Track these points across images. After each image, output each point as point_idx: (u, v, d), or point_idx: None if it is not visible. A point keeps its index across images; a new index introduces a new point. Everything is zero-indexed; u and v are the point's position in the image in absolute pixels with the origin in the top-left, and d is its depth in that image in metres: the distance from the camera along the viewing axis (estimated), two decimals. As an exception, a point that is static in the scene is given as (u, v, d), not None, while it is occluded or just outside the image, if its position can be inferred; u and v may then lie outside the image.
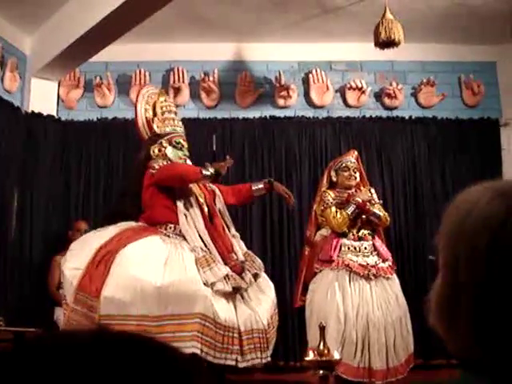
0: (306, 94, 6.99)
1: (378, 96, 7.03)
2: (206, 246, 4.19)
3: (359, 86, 6.88)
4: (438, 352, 5.78)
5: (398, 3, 5.77)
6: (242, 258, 4.33)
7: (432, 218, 6.33)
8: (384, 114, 6.99)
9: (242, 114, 6.89)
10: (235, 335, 3.96)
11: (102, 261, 3.93)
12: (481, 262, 0.92)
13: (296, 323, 6.18)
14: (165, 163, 4.47)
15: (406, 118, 6.94)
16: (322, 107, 6.96)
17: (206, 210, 4.44)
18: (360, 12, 6.22)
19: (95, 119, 6.82)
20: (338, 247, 5.15)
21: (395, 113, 6.98)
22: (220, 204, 4.64)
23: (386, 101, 6.97)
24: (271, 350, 4.41)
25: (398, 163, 6.81)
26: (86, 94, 6.89)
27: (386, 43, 5.48)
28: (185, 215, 4.29)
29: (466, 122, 6.94)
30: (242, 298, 4.21)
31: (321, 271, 5.14)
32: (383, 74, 7.08)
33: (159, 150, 4.53)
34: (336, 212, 5.22)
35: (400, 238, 6.53)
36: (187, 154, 4.70)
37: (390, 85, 6.93)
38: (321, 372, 2.97)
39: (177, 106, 6.81)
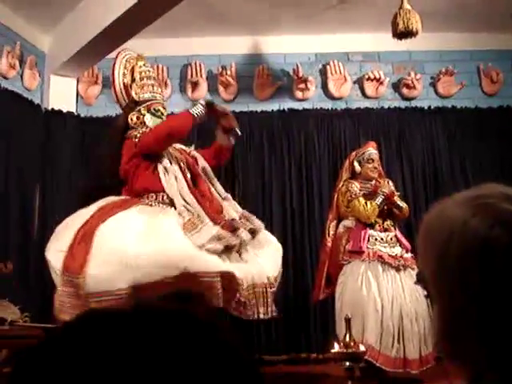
0: (324, 86, 6.98)
1: (397, 86, 7.01)
2: (191, 206, 3.99)
3: (377, 76, 6.86)
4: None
5: (414, -8, 5.74)
6: (234, 216, 4.12)
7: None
8: (402, 104, 6.96)
9: (260, 107, 6.89)
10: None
11: (84, 238, 3.81)
12: (475, 284, 0.90)
13: (318, 315, 6.20)
14: (146, 131, 4.22)
15: (425, 108, 6.91)
16: (340, 99, 6.95)
17: (188, 174, 4.24)
18: (377, 2, 6.19)
19: (114, 115, 6.83)
20: (367, 238, 5.15)
21: (414, 103, 6.96)
22: (203, 165, 4.41)
23: (405, 91, 6.94)
24: (273, 307, 4.23)
25: (417, 154, 6.78)
26: (105, 91, 6.91)
27: (404, 34, 5.44)
28: (168, 181, 4.08)
29: (486, 111, 6.90)
30: (240, 255, 4.04)
31: (349, 263, 5.13)
32: (401, 65, 7.05)
33: (137, 118, 4.30)
34: (366, 203, 5.21)
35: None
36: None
37: (409, 75, 6.90)
38: (347, 364, 2.98)
39: (195, 100, 6.87)
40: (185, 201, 4.01)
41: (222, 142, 4.49)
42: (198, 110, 4.18)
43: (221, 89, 6.88)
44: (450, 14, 6.46)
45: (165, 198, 4.10)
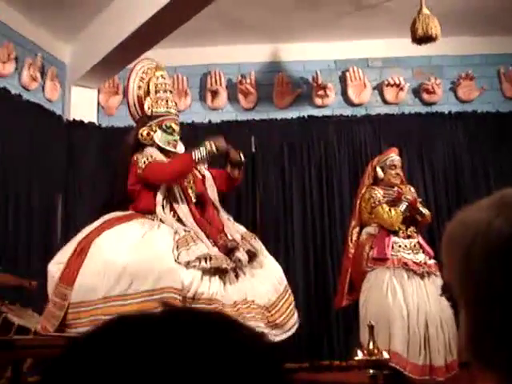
0: (344, 93, 6.98)
1: (417, 92, 6.98)
2: (188, 226, 3.97)
3: (397, 82, 6.84)
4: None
5: (433, -2, 5.72)
6: (237, 238, 4.05)
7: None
8: (423, 109, 6.93)
9: (280, 115, 6.90)
10: (218, 308, 3.68)
11: (81, 252, 3.83)
12: (499, 285, 0.88)
13: (341, 322, 6.17)
14: (149, 160, 4.10)
15: (446, 113, 6.87)
16: (360, 105, 6.94)
17: (194, 195, 4.18)
18: (395, 8, 6.18)
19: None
20: (391, 245, 5.12)
21: (434, 108, 6.92)
22: (211, 188, 4.32)
23: (425, 96, 6.91)
24: (288, 332, 4.14)
25: (438, 159, 6.74)
26: (126, 101, 6.94)
27: (424, 39, 5.43)
28: (162, 206, 4.05)
29: (507, 115, 6.85)
30: (237, 276, 3.96)
31: (373, 270, 5.10)
32: (421, 70, 7.02)
33: (147, 134, 4.18)
34: (389, 209, 5.19)
35: (443, 235, 6.45)
36: (177, 138, 4.34)
37: (429, 80, 6.87)
38: (371, 371, 2.97)
39: (215, 109, 6.90)
40: (184, 225, 3.99)
41: (230, 172, 4.38)
42: (201, 154, 4.08)
43: (240, 97, 6.90)
44: (469, 18, 6.43)
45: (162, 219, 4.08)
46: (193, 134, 6.77)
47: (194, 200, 4.17)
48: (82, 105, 6.80)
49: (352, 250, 5.35)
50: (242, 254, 3.95)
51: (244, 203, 6.61)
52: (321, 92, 6.83)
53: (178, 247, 3.75)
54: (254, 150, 6.69)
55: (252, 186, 6.68)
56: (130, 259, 3.66)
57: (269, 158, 6.76)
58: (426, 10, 5.42)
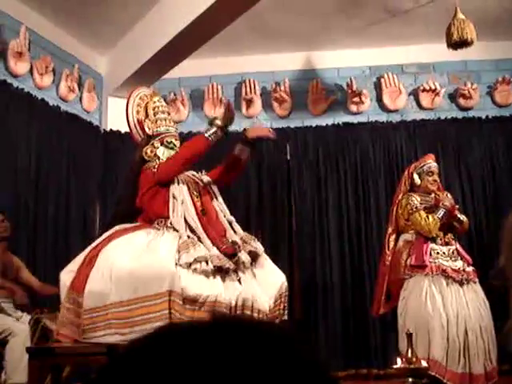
0: (379, 99, 6.95)
1: (453, 97, 6.92)
2: (194, 231, 4.07)
3: (432, 87, 6.79)
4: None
5: (467, 2, 5.67)
6: (236, 239, 4.13)
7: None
8: (460, 114, 6.87)
9: (314, 122, 6.90)
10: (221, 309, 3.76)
11: (90, 260, 4.00)
12: None
13: (378, 330, 6.13)
14: (163, 160, 4.31)
15: (483, 117, 6.80)
16: (395, 111, 6.90)
17: (198, 203, 4.29)
18: (429, 13, 6.14)
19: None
20: (429, 252, 5.08)
21: (471, 113, 6.85)
22: (213, 189, 4.45)
23: (461, 101, 6.85)
24: None
25: (476, 165, 6.67)
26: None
27: (459, 43, 5.39)
28: (174, 206, 4.16)
29: (545, 119, 6.76)
30: (239, 279, 4.00)
31: (411, 277, 5.06)
32: (456, 75, 6.96)
33: (151, 151, 4.38)
34: (427, 216, 5.15)
35: (482, 242, 6.38)
36: None
37: (465, 85, 6.81)
38: (410, 380, 2.94)
39: (250, 117, 6.93)
40: (189, 226, 4.10)
41: (239, 154, 4.46)
42: (212, 131, 4.23)
43: (275, 105, 6.92)
44: (504, 21, 6.36)
45: (172, 223, 4.17)
46: (229, 143, 6.82)
47: (200, 208, 4.28)
48: (119, 115, 6.84)
49: (389, 258, 5.31)
50: (244, 256, 4.04)
51: (280, 211, 6.61)
52: (356, 98, 6.81)
53: (179, 251, 3.88)
54: (288, 157, 6.70)
55: (287, 193, 6.68)
56: (135, 265, 3.79)
57: (304, 165, 6.76)
58: (460, 15, 5.38)
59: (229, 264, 3.94)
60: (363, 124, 6.85)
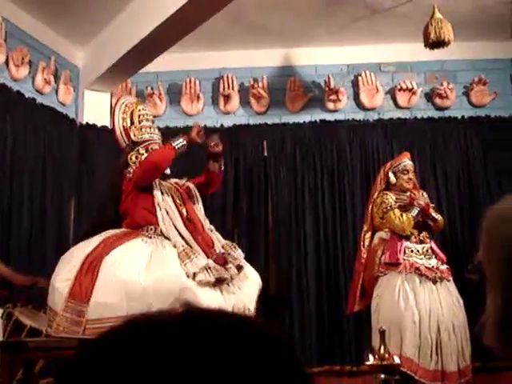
0: (356, 97, 6.97)
1: (429, 96, 6.97)
2: (187, 242, 4.20)
3: (409, 86, 6.83)
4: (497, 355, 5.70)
5: (446, 2, 5.71)
6: (221, 250, 4.28)
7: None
8: (436, 114, 6.91)
9: (292, 119, 6.90)
10: None
11: (90, 268, 4.06)
12: None
13: (352, 327, 6.16)
14: (137, 166, 4.47)
15: (459, 117, 6.85)
16: (372, 109, 6.93)
17: (184, 210, 4.43)
18: (408, 13, 6.17)
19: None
20: (403, 250, 5.11)
21: (447, 113, 6.90)
22: (195, 195, 4.60)
23: (438, 101, 6.89)
24: None
25: (451, 164, 6.72)
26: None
27: (436, 43, 5.43)
28: (162, 216, 4.30)
29: (520, 120, 6.82)
30: (228, 289, 4.16)
31: (385, 275, 5.09)
32: (433, 74, 7.01)
33: (136, 157, 4.56)
34: (401, 214, 5.18)
35: (456, 241, 6.43)
36: None
37: (441, 85, 6.85)
38: (382, 376, 2.96)
39: (227, 113, 6.92)
40: (180, 235, 4.22)
41: (210, 167, 4.62)
42: (178, 141, 4.39)
43: (253, 101, 6.91)
44: (481, 22, 6.41)
45: (162, 231, 4.30)
46: (205, 138, 6.80)
47: (185, 215, 4.41)
48: (95, 108, 6.83)
49: (364, 255, 5.34)
50: (233, 269, 4.18)
51: (256, 207, 6.62)
52: (333, 96, 6.83)
53: (182, 261, 4.00)
54: (266, 153, 6.72)
55: (264, 189, 6.69)
56: (148, 280, 3.88)
57: (281, 161, 6.77)
58: (438, 15, 5.42)
59: (226, 274, 4.08)
60: (340, 122, 6.87)
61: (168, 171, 4.62)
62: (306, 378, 0.67)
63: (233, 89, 6.91)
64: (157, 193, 4.36)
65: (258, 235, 6.55)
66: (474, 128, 6.82)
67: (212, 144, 4.51)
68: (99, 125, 6.80)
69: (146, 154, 4.52)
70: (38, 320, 4.52)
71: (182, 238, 4.21)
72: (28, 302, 4.79)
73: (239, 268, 4.26)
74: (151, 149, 4.56)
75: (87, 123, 6.76)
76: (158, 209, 4.31)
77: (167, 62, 6.60)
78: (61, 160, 6.33)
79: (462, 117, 6.85)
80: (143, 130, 4.67)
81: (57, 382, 0.66)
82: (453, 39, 5.39)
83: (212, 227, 4.53)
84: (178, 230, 4.25)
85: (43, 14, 6.09)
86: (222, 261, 4.13)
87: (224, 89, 6.90)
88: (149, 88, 6.93)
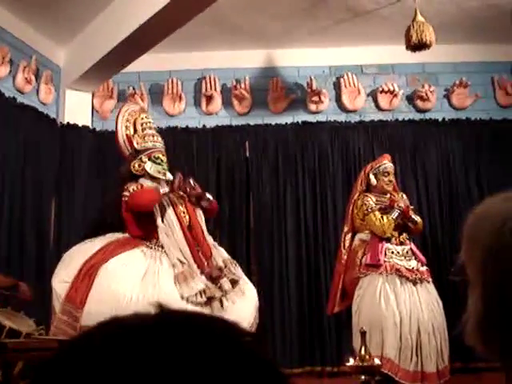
0: (338, 99, 6.99)
1: (411, 99, 7.00)
2: (184, 257, 4.37)
3: (391, 89, 6.85)
4: (475, 355, 5.74)
5: (428, 5, 5.74)
6: (220, 264, 4.45)
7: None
8: (417, 116, 6.95)
9: (274, 120, 6.91)
10: None
11: (87, 274, 4.19)
12: None
13: (333, 328, 6.17)
14: (136, 188, 4.61)
15: (440, 120, 6.89)
16: (354, 111, 6.95)
17: (186, 219, 4.61)
18: (390, 15, 6.20)
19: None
20: (384, 251, 5.13)
21: (428, 115, 6.94)
22: (199, 215, 4.77)
23: (419, 103, 6.93)
24: None
25: (432, 166, 6.75)
26: (120, 105, 6.95)
27: (418, 46, 5.45)
28: (164, 231, 4.47)
29: (500, 123, 6.87)
30: (222, 305, 4.32)
31: (366, 276, 5.11)
32: (415, 77, 7.04)
33: (139, 166, 4.71)
34: (382, 217, 5.20)
35: (436, 242, 6.47)
36: (166, 168, 4.82)
37: (422, 87, 6.89)
38: (362, 377, 2.97)
39: (209, 113, 6.91)
40: (179, 249, 4.39)
41: (202, 205, 4.80)
42: (164, 189, 4.63)
43: (235, 102, 6.91)
44: (463, 25, 6.46)
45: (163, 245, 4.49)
46: (187, 138, 6.79)
47: (186, 224, 4.58)
48: (76, 108, 6.79)
49: (344, 257, 5.36)
50: (226, 284, 4.34)
51: (238, 208, 6.62)
52: (315, 98, 6.84)
53: (178, 283, 4.17)
54: (247, 154, 6.72)
55: (246, 190, 6.69)
56: (141, 296, 4.03)
57: (262, 162, 6.77)
58: (420, 18, 5.44)
59: (217, 293, 4.25)
60: (322, 123, 6.88)
61: (170, 177, 4.75)
62: (280, 377, 0.67)
63: (215, 89, 6.90)
64: (158, 219, 4.47)
65: (240, 236, 6.56)
66: (455, 130, 6.86)
67: (189, 189, 4.64)
68: (80, 124, 6.76)
69: (148, 163, 4.67)
70: (17, 321, 4.48)
71: (181, 252, 4.36)
72: (6, 303, 4.74)
73: (234, 282, 4.39)
74: (154, 157, 4.70)
75: (68, 123, 6.71)
76: (159, 226, 4.45)
77: (149, 62, 6.58)
78: (41, 160, 6.28)
79: (443, 119, 6.89)
80: (146, 138, 4.80)
81: (33, 382, 0.66)
82: (434, 42, 5.42)
83: (215, 243, 4.72)
84: (177, 244, 4.40)
85: (24, 12, 6.04)
86: (217, 274, 4.28)
87: (206, 89, 6.89)
88: (131, 88, 6.91)
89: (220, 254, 4.60)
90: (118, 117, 4.98)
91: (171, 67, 6.93)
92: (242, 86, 6.87)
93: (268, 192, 6.69)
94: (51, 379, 0.64)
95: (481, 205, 1.06)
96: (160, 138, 4.92)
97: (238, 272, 4.56)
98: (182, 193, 4.66)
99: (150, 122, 4.95)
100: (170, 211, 4.51)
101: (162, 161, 4.77)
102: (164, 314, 0.69)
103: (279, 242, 6.55)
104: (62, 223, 6.44)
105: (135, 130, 4.87)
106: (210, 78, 6.91)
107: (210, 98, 6.90)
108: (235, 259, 4.94)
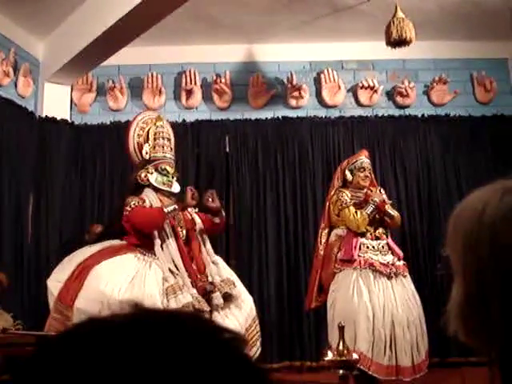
0: (318, 94, 7.00)
1: (390, 95, 7.03)
2: (177, 268, 4.44)
3: (371, 84, 6.87)
4: (454, 350, 5.80)
5: (408, 1, 5.76)
6: (217, 279, 4.53)
7: (447, 217, 6.27)
8: (396, 112, 6.98)
9: (254, 115, 6.90)
10: None
11: (79, 275, 4.27)
12: (508, 258, 0.92)
13: (312, 323, 6.19)
14: (138, 204, 4.59)
15: (419, 116, 6.93)
16: (334, 107, 6.96)
17: (183, 233, 4.67)
18: (371, 11, 6.21)
19: (108, 123, 6.85)
20: (358, 246, 5.15)
21: (408, 111, 6.97)
22: (199, 227, 4.80)
23: (398, 99, 6.96)
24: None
25: (411, 162, 6.79)
26: (99, 98, 6.92)
27: (398, 42, 5.48)
28: (160, 243, 4.52)
29: (479, 119, 6.92)
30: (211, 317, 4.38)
31: (341, 271, 5.13)
32: (395, 73, 7.07)
33: (145, 176, 4.70)
34: (356, 212, 5.21)
35: (415, 237, 6.51)
36: (172, 179, 4.81)
37: (402, 83, 6.92)
38: (340, 372, 2.98)
39: (189, 108, 6.88)
40: (173, 261, 4.47)
41: (211, 219, 4.83)
42: (171, 208, 4.57)
43: (215, 97, 6.89)
44: (443, 22, 6.49)
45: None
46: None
47: (182, 237, 4.64)
48: (55, 102, 6.73)
49: (321, 252, 5.37)
50: (217, 298, 4.41)
51: (217, 203, 6.60)
52: (295, 93, 6.85)
53: (167, 294, 4.23)
54: (228, 149, 6.71)
55: (226, 185, 6.68)
56: (125, 296, 4.08)
57: (243, 157, 6.76)
58: (400, 14, 5.46)
59: (206, 307, 4.31)
60: (302, 118, 6.89)
61: (177, 190, 4.80)
62: (258, 372, 0.67)
63: (195, 84, 6.87)
64: (156, 240, 4.52)
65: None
66: (434, 126, 6.90)
67: (207, 198, 4.70)
68: (59, 118, 6.71)
69: (154, 174, 4.68)
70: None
71: (174, 265, 4.43)
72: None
73: (226, 296, 4.47)
74: (160, 168, 4.69)
75: (46, 116, 6.65)
76: (155, 237, 4.50)
77: (129, 56, 6.54)
78: (19, 154, 6.22)
79: (423, 115, 6.93)
80: (156, 148, 4.77)
81: (12, 380, 0.66)
82: (414, 38, 5.44)
83: (217, 261, 4.76)
84: (172, 257, 4.47)
85: (3, 5, 5.98)
86: (203, 291, 4.36)
87: (186, 84, 6.86)
88: (110, 81, 6.86)
89: (219, 272, 4.64)
90: (130, 124, 4.96)
91: (151, 61, 6.90)
92: (223, 80, 6.85)
93: (248, 187, 6.68)
94: (27, 379, 0.64)
95: (464, 199, 1.07)
96: (170, 149, 4.89)
97: (236, 292, 4.60)
98: (194, 202, 4.73)
99: (163, 132, 4.89)
100: (166, 226, 4.57)
101: (168, 172, 4.75)
102: (139, 313, 0.69)
103: (258, 237, 6.55)
104: (39, 217, 6.39)
105: (147, 139, 4.84)
106: (189, 72, 6.88)
107: (189, 92, 6.88)
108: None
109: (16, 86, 6.37)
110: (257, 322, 4.71)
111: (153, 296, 4.15)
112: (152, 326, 0.66)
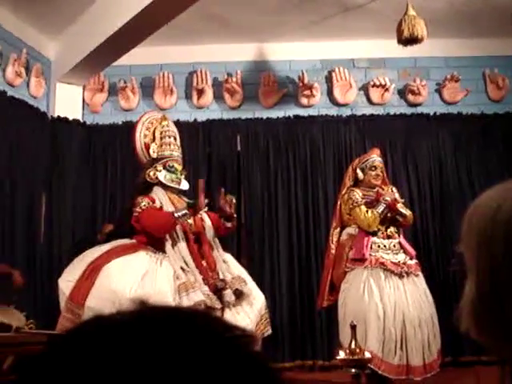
0: (330, 93, 6.98)
1: (402, 93, 7.00)
2: (187, 265, 4.51)
3: (382, 83, 6.85)
4: (467, 349, 5.77)
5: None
6: (228, 277, 4.59)
7: (459, 215, 6.25)
8: (408, 110, 6.95)
9: (265, 114, 6.89)
10: None
11: (90, 274, 4.34)
12: None
13: (324, 323, 6.18)
14: (148, 204, 4.64)
15: (431, 114, 6.90)
16: (345, 105, 6.95)
17: (192, 235, 4.74)
18: (382, 9, 6.19)
19: (120, 122, 6.87)
20: (369, 245, 5.13)
21: (419, 109, 6.94)
22: (208, 226, 4.87)
23: (410, 97, 6.93)
24: None
25: (423, 160, 6.76)
26: (111, 98, 6.94)
27: (409, 40, 5.45)
28: (171, 243, 4.60)
29: (492, 117, 6.88)
30: (223, 314, 4.44)
31: (352, 270, 5.11)
32: (406, 71, 7.04)
33: (154, 174, 4.78)
34: (367, 211, 5.20)
35: (427, 235, 6.49)
36: (180, 177, 4.89)
37: (414, 81, 6.89)
38: (353, 370, 2.97)
39: (200, 107, 6.89)
40: (184, 260, 4.54)
41: (223, 223, 4.94)
42: (181, 212, 4.67)
43: (226, 96, 6.89)
44: (455, 19, 6.46)
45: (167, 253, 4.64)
46: (178, 132, 6.77)
47: (192, 237, 4.71)
48: (67, 102, 6.76)
49: (333, 251, 5.36)
50: (229, 296, 4.48)
51: (229, 202, 6.60)
52: (306, 92, 6.83)
53: (179, 292, 4.28)
54: (239, 148, 6.71)
55: (237, 184, 6.68)
56: (137, 294, 4.11)
57: (254, 156, 6.76)
58: (412, 12, 5.44)
59: (218, 304, 4.38)
60: (313, 117, 6.88)
61: (186, 187, 4.89)
62: (269, 371, 0.67)
63: (206, 83, 6.88)
64: (168, 245, 4.58)
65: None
66: (446, 125, 6.87)
67: (222, 201, 4.82)
68: (71, 118, 6.73)
69: (163, 171, 4.75)
70: (7, 315, 4.47)
71: (185, 263, 4.50)
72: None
73: (238, 294, 4.53)
74: (168, 166, 4.78)
75: (59, 116, 6.68)
76: (166, 247, 4.57)
77: (140, 56, 6.55)
78: (31, 154, 6.24)
79: (434, 113, 6.90)
80: (163, 146, 4.87)
81: (19, 378, 0.66)
82: (426, 36, 5.41)
83: (227, 259, 4.85)
84: (182, 256, 4.54)
85: (15, 5, 6.00)
86: (214, 288, 4.42)
87: (197, 83, 6.87)
88: (121, 81, 6.88)
89: (229, 270, 4.70)
90: (137, 124, 5.04)
91: (162, 60, 6.91)
92: (234, 79, 6.85)
93: (259, 186, 6.68)
94: (34, 377, 0.64)
95: (476, 200, 1.08)
96: (177, 147, 4.97)
97: (247, 289, 4.65)
98: (207, 201, 4.80)
99: (169, 130, 5.00)
100: (182, 242, 4.63)
101: (176, 169, 4.83)
102: (145, 310, 0.69)
103: (270, 235, 6.55)
104: (52, 216, 6.41)
105: (154, 138, 4.93)
106: (201, 72, 6.89)
107: (201, 92, 6.88)
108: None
109: (28, 86, 6.39)
110: (267, 319, 4.84)
111: (164, 293, 4.19)
112: (158, 323, 0.66)
